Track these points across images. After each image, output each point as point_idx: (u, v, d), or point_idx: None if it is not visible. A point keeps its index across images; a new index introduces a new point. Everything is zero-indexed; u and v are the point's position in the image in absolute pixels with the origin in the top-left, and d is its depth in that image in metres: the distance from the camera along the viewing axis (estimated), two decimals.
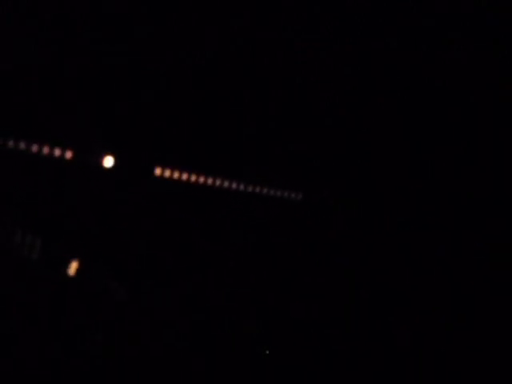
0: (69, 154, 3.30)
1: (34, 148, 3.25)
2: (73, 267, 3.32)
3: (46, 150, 3.27)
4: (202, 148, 3.50)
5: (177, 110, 3.43)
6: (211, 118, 3.49)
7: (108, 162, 3.35)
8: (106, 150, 3.33)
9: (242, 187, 3.58)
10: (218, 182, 3.54)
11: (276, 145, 3.55)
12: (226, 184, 3.56)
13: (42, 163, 3.29)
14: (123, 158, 3.37)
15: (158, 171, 3.43)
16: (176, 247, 3.46)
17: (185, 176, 3.48)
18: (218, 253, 3.55)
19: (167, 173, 3.44)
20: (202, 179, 3.52)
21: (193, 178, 3.50)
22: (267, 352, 3.50)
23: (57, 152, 3.28)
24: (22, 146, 3.24)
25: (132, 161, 3.39)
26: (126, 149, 3.38)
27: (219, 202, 3.58)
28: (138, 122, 3.37)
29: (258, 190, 3.63)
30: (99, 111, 3.31)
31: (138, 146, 3.40)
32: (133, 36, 3.32)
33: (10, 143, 3.23)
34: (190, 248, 3.49)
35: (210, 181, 3.53)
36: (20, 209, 3.30)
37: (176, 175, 3.46)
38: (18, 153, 3.25)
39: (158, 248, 3.43)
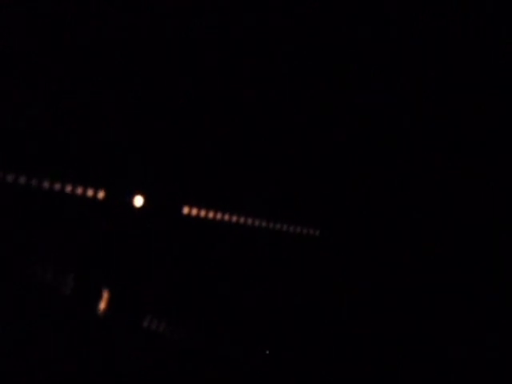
0: (101, 194, 3.44)
1: (68, 188, 3.40)
2: (104, 303, 3.44)
3: (79, 190, 3.41)
4: (224, 187, 3.65)
5: (199, 152, 3.58)
6: (232, 159, 3.64)
7: (138, 201, 3.49)
8: (136, 190, 3.47)
9: (263, 224, 3.73)
10: (240, 220, 3.69)
11: (296, 184, 3.71)
12: (248, 221, 3.71)
13: (75, 203, 3.43)
14: (152, 197, 3.51)
15: (185, 210, 3.57)
16: (203, 282, 3.60)
17: (208, 213, 3.63)
18: (241, 288, 3.68)
19: (194, 211, 3.59)
20: (225, 217, 3.67)
21: (215, 215, 3.65)
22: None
23: (89, 192, 3.43)
24: (58, 186, 3.39)
25: (161, 200, 3.53)
26: (155, 189, 3.52)
27: (241, 239, 3.72)
28: (167, 163, 3.52)
29: (279, 227, 3.79)
30: (129, 153, 3.46)
31: (166, 186, 3.54)
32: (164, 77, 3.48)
33: (45, 184, 3.37)
34: (216, 283, 3.63)
35: (233, 218, 3.68)
36: (53, 247, 3.43)
37: (202, 213, 3.61)
38: (53, 193, 3.39)
39: (187, 283, 3.57)
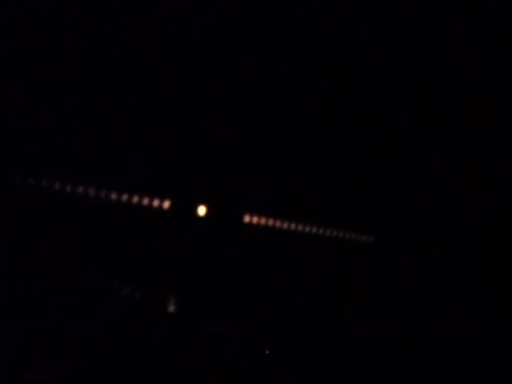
0: (166, 204, 3.65)
1: (135, 199, 3.61)
2: (170, 309, 3.62)
3: (145, 201, 3.62)
4: (281, 195, 3.82)
5: (257, 161, 3.76)
6: (289, 168, 3.81)
7: (201, 210, 3.68)
8: (200, 200, 3.67)
9: (320, 232, 3.88)
10: (297, 227, 3.85)
11: (354, 190, 3.85)
12: (301, 228, 3.86)
13: (141, 213, 3.64)
14: (215, 207, 3.70)
15: (246, 218, 3.75)
16: (265, 290, 3.75)
17: (267, 221, 3.80)
18: (300, 295, 3.82)
19: (255, 219, 3.76)
20: (283, 224, 3.83)
21: (275, 223, 3.81)
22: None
23: (156, 202, 3.63)
24: (125, 197, 3.61)
25: (223, 209, 3.72)
26: (218, 198, 3.71)
27: (297, 246, 3.87)
28: (229, 173, 3.71)
29: (334, 233, 3.92)
30: (193, 165, 3.66)
31: (228, 195, 3.73)
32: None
33: (113, 195, 3.59)
34: (277, 290, 3.78)
35: (292, 226, 3.84)
36: (120, 258, 3.63)
37: (262, 221, 3.78)
38: (121, 205, 3.61)
39: (249, 290, 3.72)
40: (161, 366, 3.48)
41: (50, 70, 3.54)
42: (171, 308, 3.62)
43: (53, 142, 3.59)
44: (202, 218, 3.69)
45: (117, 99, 3.59)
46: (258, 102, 3.73)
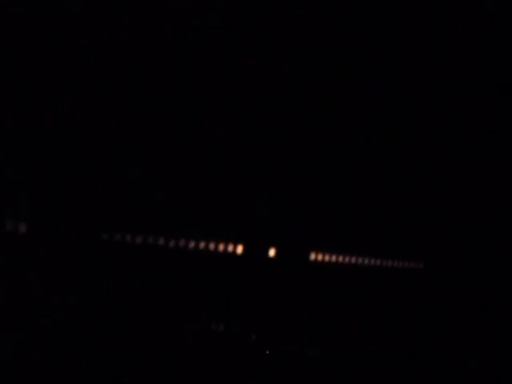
0: (239, 249, 3.83)
1: (212, 246, 3.78)
2: (246, 348, 3.81)
3: (221, 246, 3.80)
4: (340, 232, 4.05)
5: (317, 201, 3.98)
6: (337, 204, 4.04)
7: (271, 252, 3.88)
8: (270, 242, 3.87)
9: (377, 262, 4.13)
10: (355, 260, 4.09)
11: (403, 219, 4.10)
12: (358, 260, 4.11)
13: (215, 259, 3.81)
14: (282, 247, 3.90)
15: (312, 256, 3.97)
16: (333, 324, 3.97)
17: (331, 257, 4.03)
18: (360, 323, 4.06)
19: (320, 256, 3.98)
20: (343, 259, 4.06)
21: (338, 258, 4.04)
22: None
23: (230, 247, 3.81)
24: (202, 245, 3.77)
25: (289, 249, 3.93)
26: (284, 240, 3.92)
27: (356, 278, 4.11)
28: (292, 217, 3.92)
29: (384, 263, 4.18)
30: (261, 212, 3.85)
31: (293, 236, 3.94)
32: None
33: (191, 244, 3.76)
34: (340, 322, 4.01)
35: (347, 259, 4.08)
36: (194, 301, 3.79)
37: (326, 258, 4.01)
38: (194, 252, 3.77)
39: (316, 325, 3.94)
40: None
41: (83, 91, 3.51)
42: (251, 346, 3.81)
43: (126, 195, 3.72)
44: (272, 259, 3.88)
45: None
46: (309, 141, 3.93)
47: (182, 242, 3.75)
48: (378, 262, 4.15)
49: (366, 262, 4.12)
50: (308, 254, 3.98)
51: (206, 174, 3.77)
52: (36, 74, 3.34)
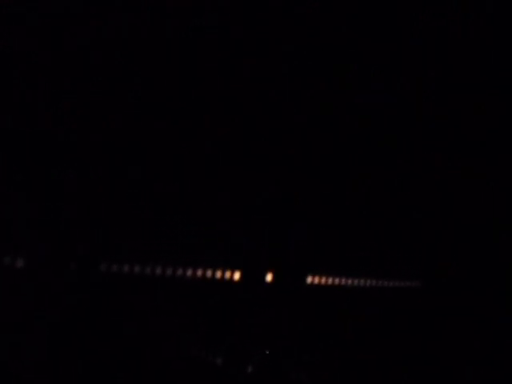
0: (237, 276, 3.86)
1: (209, 273, 3.81)
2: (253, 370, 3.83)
3: (218, 273, 3.83)
4: (337, 256, 4.08)
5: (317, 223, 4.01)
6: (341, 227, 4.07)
7: (268, 277, 3.90)
8: (267, 267, 3.90)
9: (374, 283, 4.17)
10: (352, 282, 4.12)
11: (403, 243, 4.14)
12: (355, 282, 4.14)
13: (213, 286, 3.83)
14: (280, 272, 3.93)
15: (309, 279, 4.00)
16: (331, 343, 4.00)
17: (327, 280, 4.06)
18: (361, 341, 4.09)
19: (316, 280, 4.02)
20: (340, 281, 4.10)
21: (327, 280, 4.08)
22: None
23: (227, 274, 3.84)
24: (200, 272, 3.80)
25: (286, 274, 3.96)
26: (281, 264, 3.95)
27: (353, 299, 4.15)
28: (290, 242, 3.95)
29: (381, 283, 4.22)
30: (258, 236, 3.88)
31: (290, 260, 3.97)
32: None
33: (189, 272, 3.78)
34: (341, 343, 4.03)
35: (347, 281, 4.11)
36: (197, 326, 3.82)
37: (322, 281, 4.04)
38: (196, 279, 3.80)
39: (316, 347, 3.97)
40: None
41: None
42: (251, 370, 3.83)
43: (122, 225, 3.74)
44: (269, 284, 3.91)
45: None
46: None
47: (179, 271, 3.77)
48: (374, 282, 4.18)
49: (362, 283, 4.15)
50: (305, 278, 4.01)
51: (201, 201, 3.80)
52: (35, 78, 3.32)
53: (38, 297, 3.49)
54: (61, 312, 3.52)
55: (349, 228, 4.09)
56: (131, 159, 3.59)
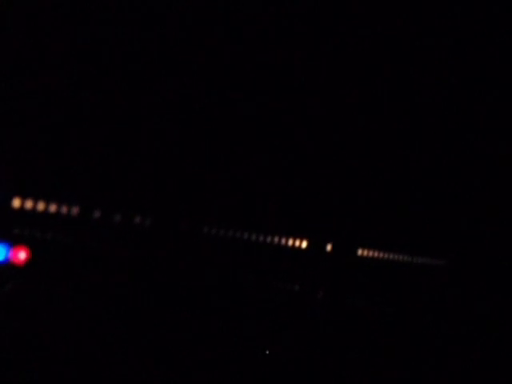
0: (304, 244, 4.93)
1: (276, 239, 4.88)
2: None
3: (290, 241, 4.90)
4: (384, 232, 5.13)
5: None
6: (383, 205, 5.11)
7: (328, 247, 4.99)
8: (328, 239, 4.98)
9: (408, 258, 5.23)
10: (394, 257, 5.20)
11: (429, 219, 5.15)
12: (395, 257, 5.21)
13: (286, 251, 4.90)
14: (337, 244, 5.00)
15: (359, 251, 5.07)
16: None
17: (368, 253, 5.13)
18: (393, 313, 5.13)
19: (365, 252, 5.09)
20: (384, 255, 5.16)
21: (372, 253, 5.14)
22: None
23: (297, 243, 4.92)
24: (276, 239, 4.88)
25: (342, 246, 5.03)
26: (339, 238, 5.02)
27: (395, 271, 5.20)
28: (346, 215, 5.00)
29: (415, 259, 5.27)
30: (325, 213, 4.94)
31: (346, 235, 5.03)
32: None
33: (266, 238, 4.85)
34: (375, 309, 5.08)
35: (389, 256, 5.18)
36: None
37: (370, 254, 5.11)
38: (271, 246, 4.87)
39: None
40: None
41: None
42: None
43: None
44: (329, 253, 4.98)
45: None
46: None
47: (261, 237, 4.84)
48: (409, 258, 5.24)
49: (400, 257, 5.21)
50: (356, 250, 5.07)
51: (289, 191, 4.86)
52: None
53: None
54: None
55: (392, 213, 5.13)
56: None
